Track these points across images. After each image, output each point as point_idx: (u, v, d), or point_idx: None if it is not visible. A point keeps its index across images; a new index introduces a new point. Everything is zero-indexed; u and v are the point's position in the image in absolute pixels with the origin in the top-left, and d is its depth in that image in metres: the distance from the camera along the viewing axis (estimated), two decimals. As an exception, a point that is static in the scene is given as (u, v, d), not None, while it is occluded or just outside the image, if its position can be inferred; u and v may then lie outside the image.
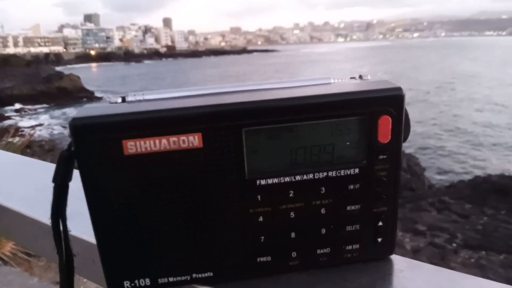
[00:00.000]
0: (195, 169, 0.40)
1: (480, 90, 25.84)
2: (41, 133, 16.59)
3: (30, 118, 21.42)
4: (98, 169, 0.39)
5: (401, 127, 0.42)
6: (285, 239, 0.44)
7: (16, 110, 23.32)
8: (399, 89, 0.41)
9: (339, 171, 0.43)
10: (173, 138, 0.39)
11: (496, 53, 73.43)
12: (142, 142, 0.38)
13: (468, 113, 19.38)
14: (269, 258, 0.45)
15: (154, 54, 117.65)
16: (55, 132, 17.91)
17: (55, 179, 0.42)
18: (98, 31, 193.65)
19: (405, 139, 0.44)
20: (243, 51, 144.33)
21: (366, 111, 0.41)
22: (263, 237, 0.44)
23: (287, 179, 0.42)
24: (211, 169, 0.40)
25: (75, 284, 0.48)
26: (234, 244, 0.44)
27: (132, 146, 0.38)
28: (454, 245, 5.57)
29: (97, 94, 29.30)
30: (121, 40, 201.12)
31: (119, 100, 0.44)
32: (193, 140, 0.39)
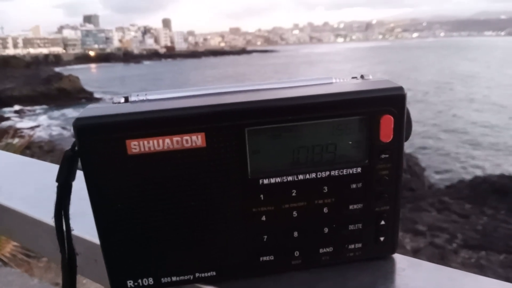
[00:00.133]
0: (198, 169, 0.40)
1: (478, 91, 25.86)
2: (41, 134, 16.59)
3: (29, 119, 21.41)
4: (102, 169, 0.39)
5: (403, 126, 0.42)
6: (288, 238, 0.44)
7: (16, 111, 23.31)
8: (401, 88, 0.41)
9: (341, 170, 0.43)
10: (176, 138, 0.39)
11: (495, 54, 73.49)
12: (145, 142, 0.39)
13: (467, 113, 19.39)
14: (271, 257, 0.45)
15: (153, 55, 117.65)
16: (54, 133, 17.89)
17: (58, 179, 0.42)
18: (97, 32, 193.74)
19: (406, 138, 0.44)
20: (243, 51, 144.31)
21: (368, 110, 0.41)
22: (265, 236, 0.44)
23: (289, 178, 0.43)
24: (214, 168, 0.41)
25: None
26: (237, 243, 0.44)
27: (136, 146, 0.39)
28: (454, 245, 5.58)
29: (97, 95, 29.30)
30: (120, 41, 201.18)
31: (122, 100, 0.45)
32: (196, 139, 0.39)
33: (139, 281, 0.44)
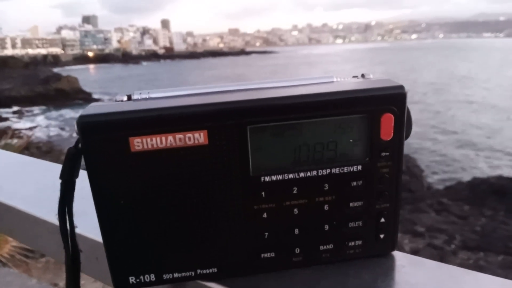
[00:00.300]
0: (201, 166, 0.41)
1: (477, 92, 25.92)
2: (39, 134, 16.58)
3: (28, 120, 21.38)
4: (105, 166, 0.39)
5: (403, 124, 0.43)
6: (289, 235, 0.45)
7: (14, 112, 23.28)
8: (401, 87, 0.42)
9: (342, 168, 0.43)
10: (179, 135, 0.39)
11: (494, 55, 73.65)
12: (148, 139, 0.39)
13: (464, 114, 19.44)
14: (272, 254, 0.45)
15: (152, 56, 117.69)
16: (52, 134, 17.88)
17: (62, 175, 0.43)
18: (96, 32, 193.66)
19: (407, 137, 0.44)
20: (242, 52, 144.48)
21: (369, 109, 0.42)
22: (267, 233, 0.44)
23: (291, 176, 0.43)
24: (216, 166, 0.41)
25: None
26: (238, 240, 0.44)
27: (139, 143, 0.39)
28: (453, 246, 5.58)
29: (95, 96, 29.28)
30: (119, 41, 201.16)
31: (125, 98, 0.45)
32: (199, 137, 0.40)
33: (141, 277, 0.44)
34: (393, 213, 0.46)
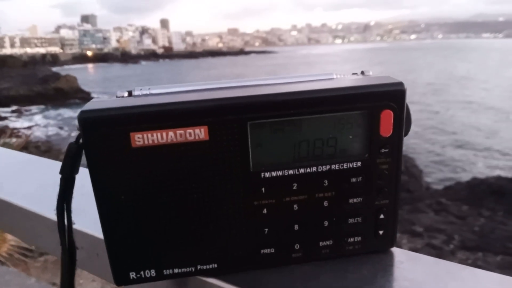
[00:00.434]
0: (201, 162, 0.41)
1: (475, 93, 25.96)
2: (37, 134, 16.56)
3: (26, 119, 21.35)
4: (106, 161, 0.40)
5: (403, 121, 0.43)
6: (289, 231, 0.45)
7: (13, 111, 23.24)
8: (401, 84, 0.42)
9: (342, 164, 0.44)
10: (179, 131, 0.39)
11: (493, 56, 73.72)
12: (149, 135, 0.39)
13: (463, 114, 19.47)
14: (272, 250, 0.45)
15: (151, 55, 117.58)
16: (51, 133, 17.85)
17: (62, 171, 0.43)
18: (95, 32, 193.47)
19: (406, 133, 0.44)
20: (241, 52, 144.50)
21: (369, 105, 0.42)
22: (266, 229, 0.44)
23: (290, 171, 0.43)
24: (216, 161, 0.41)
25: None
26: (238, 236, 0.44)
27: (140, 139, 0.39)
28: (451, 246, 5.59)
29: (94, 95, 29.25)
30: (118, 41, 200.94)
31: (126, 94, 0.45)
32: (199, 133, 0.40)
33: (142, 273, 0.44)
34: (392, 210, 0.46)
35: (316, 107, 0.41)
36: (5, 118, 20.72)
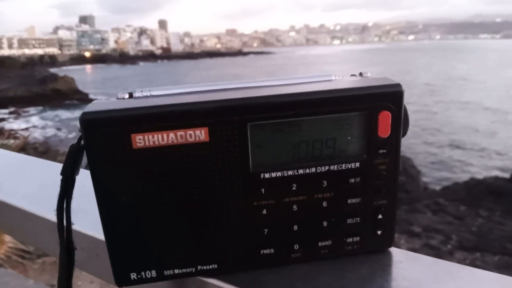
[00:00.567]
0: (201, 163, 0.41)
1: (473, 93, 26.02)
2: (35, 135, 16.53)
3: (24, 120, 21.31)
4: (107, 162, 0.40)
5: (401, 122, 0.43)
6: (288, 231, 0.45)
7: (11, 112, 23.20)
8: (399, 85, 0.42)
9: (341, 165, 0.44)
10: (180, 132, 0.40)
11: (491, 56, 73.91)
12: (150, 136, 0.39)
13: (460, 115, 19.51)
14: (272, 250, 0.46)
15: (149, 56, 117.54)
16: (49, 134, 17.82)
17: (63, 172, 0.43)
18: (93, 32, 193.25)
19: (404, 134, 0.45)
20: (239, 53, 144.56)
21: (367, 106, 0.42)
22: (266, 230, 0.45)
23: (290, 172, 0.43)
24: (216, 162, 0.41)
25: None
26: (238, 237, 0.45)
27: (141, 140, 0.39)
28: (449, 246, 5.60)
29: (92, 97, 29.20)
30: (116, 41, 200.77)
31: (126, 96, 0.45)
32: (200, 134, 0.40)
33: (142, 273, 0.44)
34: (390, 210, 0.46)
35: (315, 108, 0.42)
36: (2, 119, 20.69)
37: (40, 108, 24.87)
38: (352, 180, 0.45)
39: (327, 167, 0.44)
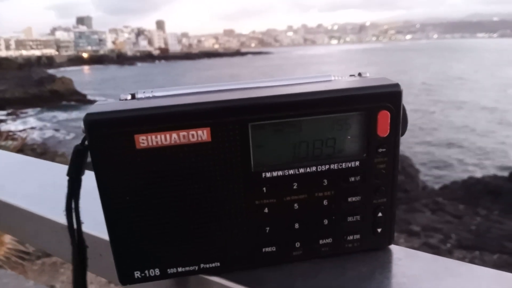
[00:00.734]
0: (204, 162, 0.42)
1: (469, 93, 26.08)
2: (33, 136, 16.51)
3: (22, 122, 21.28)
4: (111, 162, 0.40)
5: (399, 121, 0.44)
6: (289, 230, 0.46)
7: (8, 114, 23.16)
8: (397, 85, 0.43)
9: (341, 164, 0.45)
10: (183, 133, 0.40)
11: (488, 56, 74.07)
12: (153, 137, 0.40)
13: (456, 114, 19.55)
14: (273, 249, 0.46)
15: (147, 57, 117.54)
16: (47, 135, 17.80)
17: (69, 173, 0.43)
18: (90, 33, 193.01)
19: (402, 133, 0.45)
20: (237, 53, 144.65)
21: (366, 106, 0.43)
22: (268, 228, 0.45)
23: (291, 171, 0.44)
24: (218, 162, 0.42)
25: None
26: (240, 235, 0.45)
27: (144, 140, 0.40)
28: (448, 245, 5.62)
29: (90, 97, 29.17)
30: (113, 42, 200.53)
31: (129, 97, 0.46)
32: (202, 134, 0.41)
33: (146, 272, 0.45)
34: (389, 208, 0.47)
35: (315, 108, 0.42)
36: (0, 121, 20.64)
37: (37, 109, 24.84)
38: (352, 179, 0.45)
39: (327, 166, 0.44)
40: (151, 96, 0.46)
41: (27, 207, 0.67)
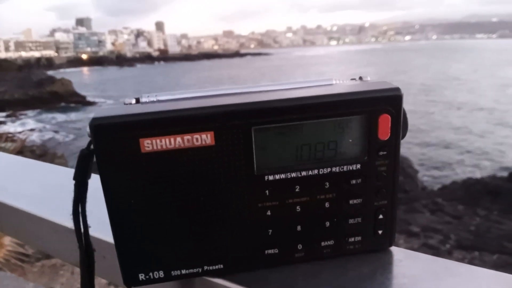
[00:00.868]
0: (207, 166, 0.42)
1: (468, 93, 26.11)
2: (32, 138, 16.48)
3: (21, 124, 21.26)
4: (116, 166, 0.41)
5: (400, 125, 0.45)
6: (292, 232, 0.46)
7: (8, 115, 23.14)
8: (398, 89, 0.44)
9: (342, 166, 0.45)
10: (187, 137, 0.41)
11: (487, 56, 74.16)
12: (158, 141, 0.41)
13: (454, 115, 19.57)
14: (276, 250, 0.47)
15: (146, 58, 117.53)
16: (46, 137, 17.78)
17: (76, 177, 0.44)
18: (90, 35, 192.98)
19: (403, 136, 0.46)
20: (236, 54, 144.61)
21: (367, 110, 0.43)
22: (271, 230, 0.46)
23: (293, 174, 0.45)
24: (222, 165, 0.43)
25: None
26: (244, 237, 0.46)
27: (149, 144, 0.40)
28: (448, 246, 5.62)
29: (90, 99, 29.17)
30: (113, 44, 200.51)
31: (133, 101, 0.46)
32: (206, 138, 0.41)
33: (150, 274, 0.46)
34: (390, 210, 0.48)
35: (317, 112, 0.43)
36: (0, 122, 20.63)
37: (37, 111, 24.82)
38: (354, 181, 0.46)
39: (329, 169, 0.45)
40: (155, 100, 0.46)
41: (30, 209, 0.68)
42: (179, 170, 0.42)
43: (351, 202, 0.46)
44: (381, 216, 0.48)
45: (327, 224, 0.47)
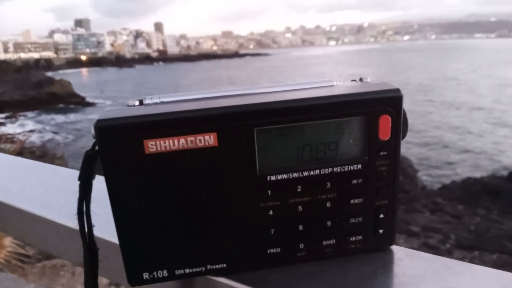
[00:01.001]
0: (211, 166, 0.43)
1: (466, 93, 26.12)
2: (32, 139, 16.47)
3: (21, 125, 21.26)
4: (121, 167, 0.42)
5: (400, 125, 0.45)
6: (293, 231, 0.47)
7: (7, 116, 23.13)
8: (398, 90, 0.44)
9: (343, 167, 0.46)
10: (190, 138, 0.41)
11: (486, 56, 74.21)
12: (162, 142, 0.41)
13: (453, 115, 19.58)
14: (278, 250, 0.47)
15: (145, 59, 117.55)
16: (45, 138, 17.78)
17: (80, 177, 0.45)
18: (89, 36, 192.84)
19: (403, 137, 0.46)
20: (235, 55, 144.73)
21: (368, 111, 0.44)
22: (273, 230, 0.46)
23: (295, 175, 0.45)
24: (225, 166, 0.43)
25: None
26: (246, 237, 0.46)
27: (153, 145, 0.41)
28: (448, 245, 5.63)
29: (89, 100, 29.17)
30: (112, 45, 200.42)
31: (137, 103, 0.47)
32: (209, 139, 0.42)
33: (154, 273, 0.46)
34: (391, 209, 0.48)
35: (318, 113, 0.43)
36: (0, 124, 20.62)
37: (36, 112, 24.81)
38: (355, 181, 0.46)
39: (330, 169, 0.45)
40: (158, 102, 0.47)
41: (33, 210, 0.68)
42: (182, 170, 0.43)
43: (352, 201, 0.47)
44: (381, 216, 0.48)
45: (329, 223, 0.47)
